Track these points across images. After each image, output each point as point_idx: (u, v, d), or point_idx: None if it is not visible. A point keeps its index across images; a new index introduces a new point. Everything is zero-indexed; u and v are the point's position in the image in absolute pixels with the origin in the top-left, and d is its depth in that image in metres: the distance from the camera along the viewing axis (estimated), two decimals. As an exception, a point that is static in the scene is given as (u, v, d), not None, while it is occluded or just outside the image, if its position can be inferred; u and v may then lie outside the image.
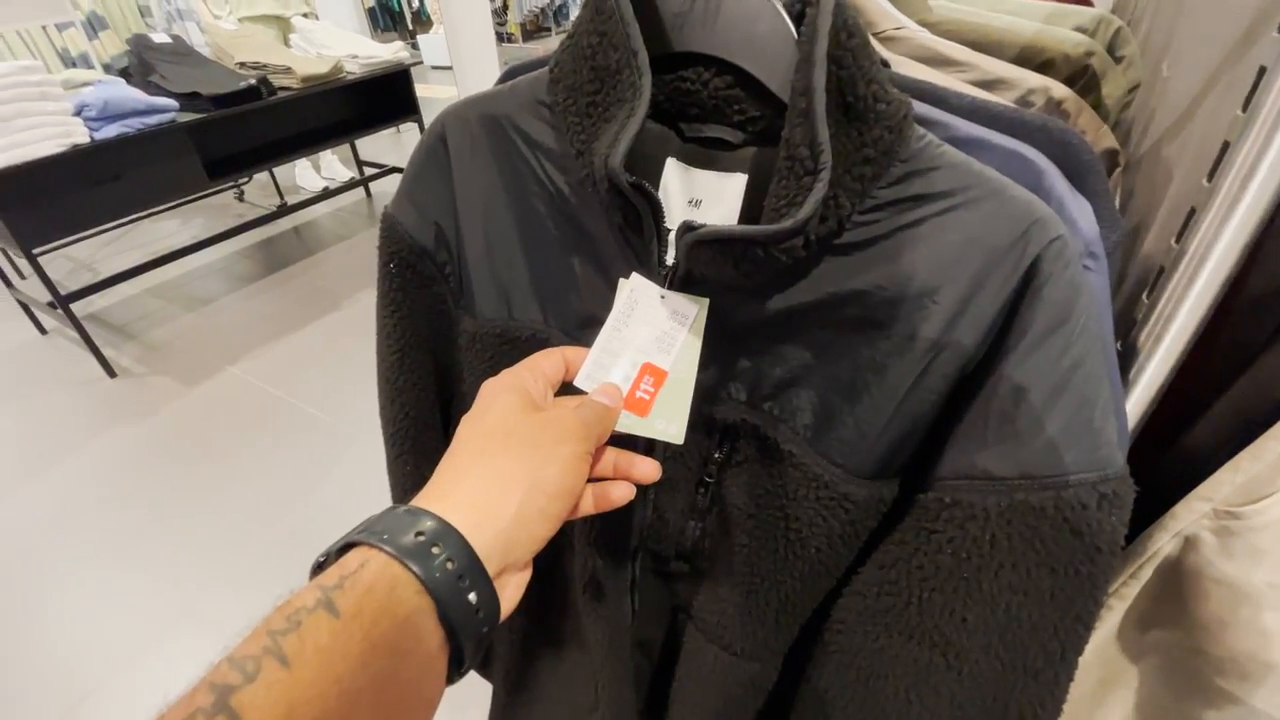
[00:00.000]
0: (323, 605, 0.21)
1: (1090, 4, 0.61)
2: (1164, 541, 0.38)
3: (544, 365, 0.36)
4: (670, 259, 0.37)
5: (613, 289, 0.41)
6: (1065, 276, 0.30)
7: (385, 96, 2.98)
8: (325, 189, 3.31)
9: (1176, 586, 0.40)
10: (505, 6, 6.18)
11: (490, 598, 0.26)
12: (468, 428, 0.32)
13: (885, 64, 0.37)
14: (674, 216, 0.39)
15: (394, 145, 4.37)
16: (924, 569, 0.36)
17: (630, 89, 0.34)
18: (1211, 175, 0.31)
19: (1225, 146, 0.30)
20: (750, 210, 0.37)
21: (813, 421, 0.39)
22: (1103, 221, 0.32)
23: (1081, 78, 0.49)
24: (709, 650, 0.52)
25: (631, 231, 0.37)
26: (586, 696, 0.64)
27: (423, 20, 6.27)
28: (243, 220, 2.80)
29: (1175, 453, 0.38)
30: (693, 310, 0.37)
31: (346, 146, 3.31)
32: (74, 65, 3.06)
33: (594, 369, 0.37)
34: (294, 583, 0.24)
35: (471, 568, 0.25)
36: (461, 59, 4.96)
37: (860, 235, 0.33)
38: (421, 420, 0.56)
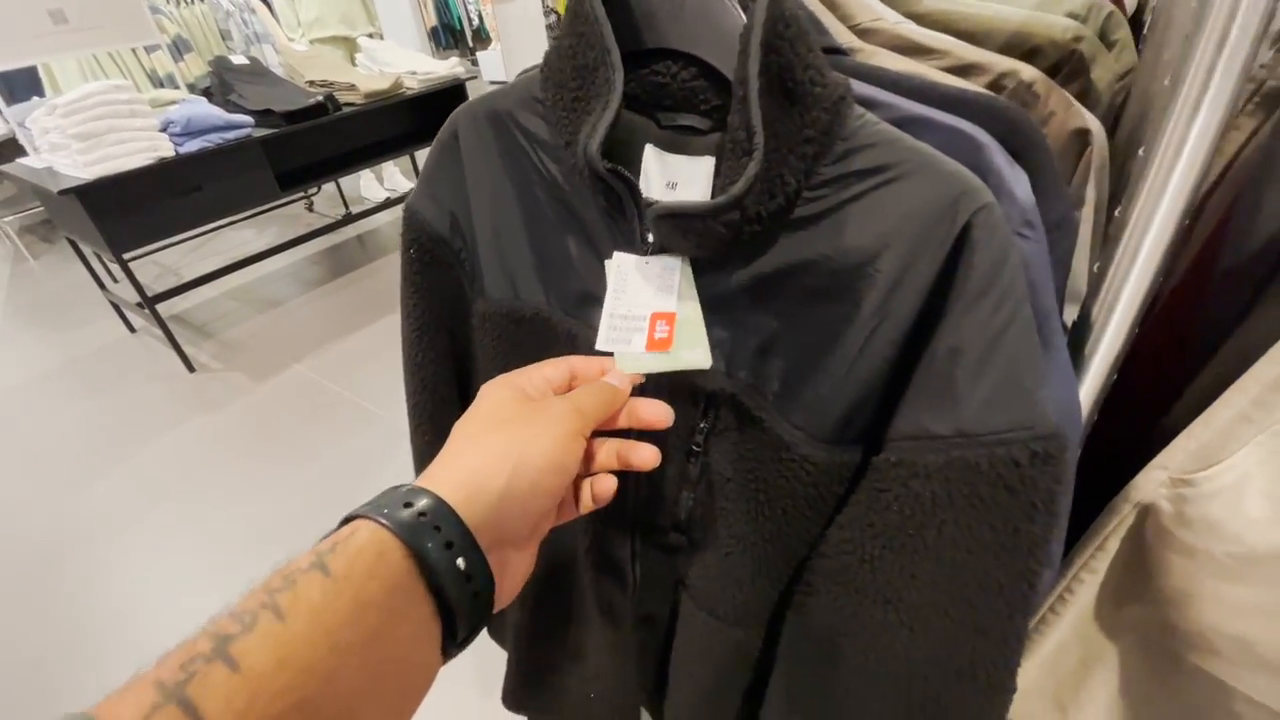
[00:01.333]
0: (316, 566, 0.23)
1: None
2: (1126, 511, 0.39)
3: (545, 371, 0.36)
4: (651, 236, 0.40)
5: (602, 264, 0.45)
6: (993, 242, 0.32)
7: (443, 110, 3.12)
8: (387, 199, 3.50)
9: (1142, 559, 0.40)
10: (559, 21, 6.36)
11: (481, 566, 0.26)
12: (463, 420, 0.33)
13: (843, 52, 0.40)
14: (655, 198, 0.42)
15: (452, 156, 4.56)
16: (874, 526, 0.38)
17: (605, 84, 0.37)
18: (1148, 148, 0.32)
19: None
20: (720, 191, 0.40)
21: (779, 388, 0.42)
22: (1045, 193, 0.34)
23: (1069, 62, 0.50)
24: (699, 617, 0.55)
25: (615, 212, 0.41)
26: (592, 665, 0.68)
27: (483, 38, 6.53)
28: (311, 229, 2.99)
29: (1140, 423, 0.38)
30: (676, 263, 0.40)
31: (407, 159, 3.49)
32: (161, 85, 3.35)
33: (609, 332, 0.41)
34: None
35: (461, 537, 0.26)
36: (515, 73, 5.16)
37: (810, 210, 0.36)
38: (439, 394, 0.61)
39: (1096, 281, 0.36)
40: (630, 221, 0.40)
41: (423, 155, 3.48)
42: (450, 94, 3.06)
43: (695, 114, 0.41)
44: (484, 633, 0.31)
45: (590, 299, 0.48)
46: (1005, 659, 0.37)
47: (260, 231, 3.72)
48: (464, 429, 0.32)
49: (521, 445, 0.30)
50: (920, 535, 0.36)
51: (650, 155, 0.43)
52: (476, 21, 6.28)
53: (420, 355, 0.59)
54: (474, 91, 3.18)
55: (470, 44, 6.27)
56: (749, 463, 0.44)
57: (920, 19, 0.52)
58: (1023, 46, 0.51)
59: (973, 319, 0.33)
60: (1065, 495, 0.34)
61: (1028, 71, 0.43)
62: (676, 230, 0.36)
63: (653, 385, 0.45)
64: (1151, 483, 0.37)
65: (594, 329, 0.47)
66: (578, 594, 0.66)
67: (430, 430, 0.62)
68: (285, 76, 2.68)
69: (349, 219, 3.19)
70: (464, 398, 0.64)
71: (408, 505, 0.26)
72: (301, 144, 2.67)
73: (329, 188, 3.71)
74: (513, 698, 0.74)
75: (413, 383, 0.61)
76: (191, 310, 2.90)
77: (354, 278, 3.10)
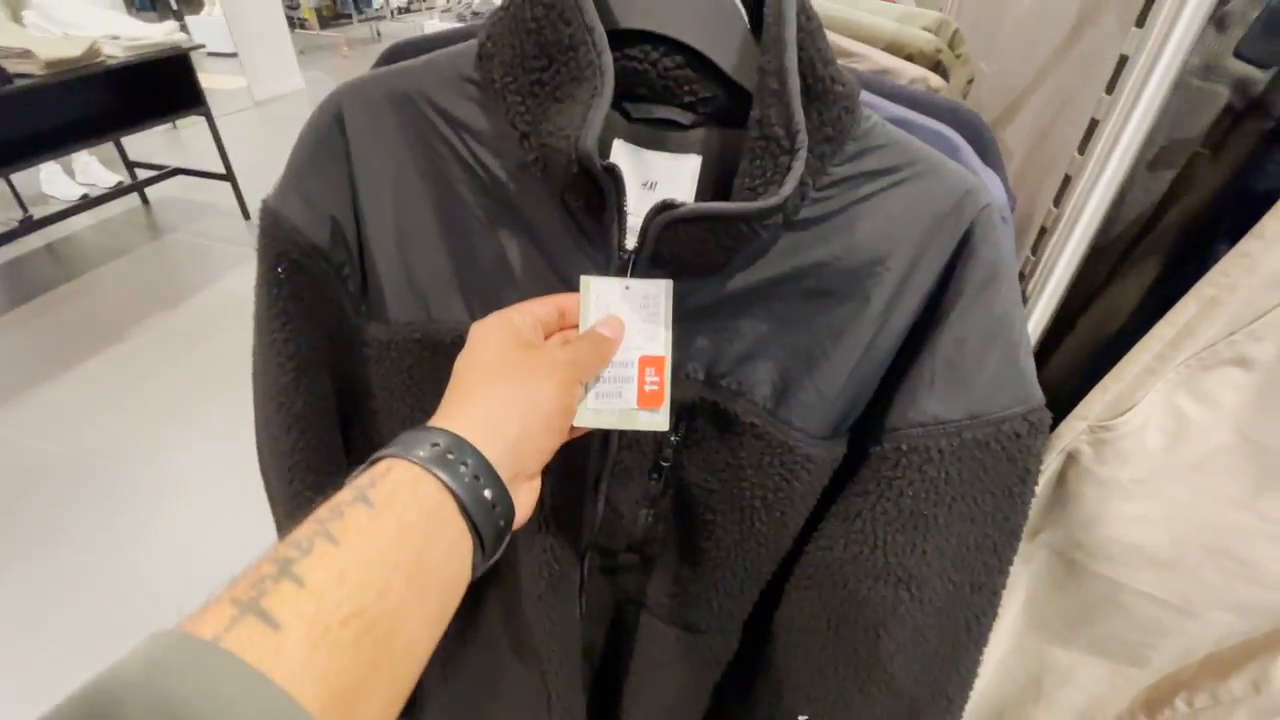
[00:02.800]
0: (359, 499, 0.26)
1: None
2: (1051, 459, 0.46)
3: (535, 308, 0.36)
4: (631, 243, 0.36)
5: (560, 279, 0.39)
6: (994, 238, 0.35)
7: (156, 86, 2.53)
8: (84, 196, 2.75)
9: (1060, 496, 0.48)
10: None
11: (504, 495, 0.29)
12: (464, 364, 0.34)
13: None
14: (629, 200, 0.38)
15: (171, 142, 3.75)
16: (888, 513, 0.39)
17: (589, 67, 0.32)
18: (1082, 149, 0.37)
19: (1093, 124, 0.37)
20: (708, 191, 0.38)
21: (771, 391, 0.41)
22: (1004, 192, 0.38)
23: (936, 71, 0.56)
24: (669, 634, 0.52)
25: (589, 216, 0.36)
26: (534, 713, 0.61)
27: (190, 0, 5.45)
28: (-32, 241, 2.23)
29: (1062, 382, 0.45)
30: (660, 291, 0.36)
31: (109, 146, 2.77)
32: None
33: (600, 386, 0.37)
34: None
35: (485, 471, 0.29)
36: (249, 45, 4.42)
37: (817, 210, 0.35)
38: (324, 447, 0.49)
39: (1033, 266, 0.41)
40: (608, 226, 0.35)
41: (131, 142, 2.83)
42: (167, 65, 2.49)
43: (677, 106, 0.37)
44: None
45: None
46: (993, 607, 0.42)
47: (-125, 247, 2.67)
48: (469, 374, 0.33)
49: (530, 393, 0.32)
50: (933, 515, 0.38)
51: (621, 151, 0.38)
52: (181, -20, 5.22)
53: (299, 403, 0.46)
54: (198, 64, 2.64)
55: (174, 6, 5.21)
56: (738, 470, 0.43)
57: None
58: (899, 54, 0.56)
59: (978, 311, 0.35)
60: (1042, 456, 0.39)
61: (934, 79, 0.48)
62: (702, 235, 0.33)
63: None
64: (1072, 431, 0.44)
65: None
66: (510, 640, 0.59)
67: (312, 485, 0.49)
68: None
69: (30, 225, 2.43)
70: (347, 446, 0.52)
71: (434, 445, 0.28)
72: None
73: (-10, 185, 2.79)
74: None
75: (286, 439, 0.47)
76: None
77: (49, 301, 2.39)
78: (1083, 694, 0.62)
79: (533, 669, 0.58)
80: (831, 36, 0.50)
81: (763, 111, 0.31)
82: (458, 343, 0.44)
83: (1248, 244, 0.36)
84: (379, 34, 6.67)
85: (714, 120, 0.37)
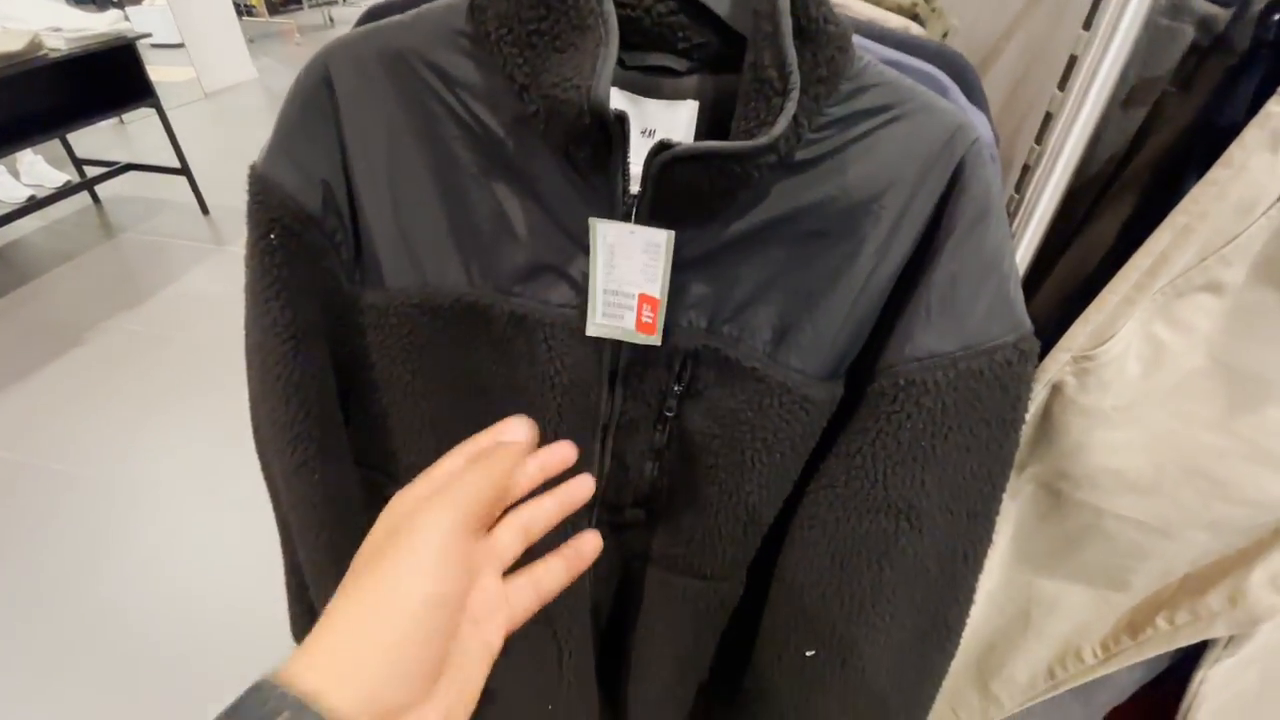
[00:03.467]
0: None
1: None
2: (1037, 391, 0.48)
3: (445, 465, 0.30)
4: (635, 188, 0.36)
5: (565, 231, 0.40)
6: (984, 174, 0.36)
7: (102, 79, 2.43)
8: (31, 198, 2.63)
9: (1046, 428, 0.50)
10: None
11: None
12: (355, 559, 0.28)
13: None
14: (635, 151, 0.38)
15: (119, 139, 3.61)
16: (888, 448, 0.41)
17: (592, 15, 0.32)
18: (1062, 85, 0.39)
19: (1072, 60, 0.38)
20: (705, 136, 0.38)
21: (771, 335, 0.42)
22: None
23: (914, 22, 0.57)
24: (678, 583, 0.53)
25: (592, 166, 0.36)
26: (548, 683, 0.62)
27: (129, -11, 5.20)
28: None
29: (1048, 317, 0.47)
30: (662, 238, 0.37)
31: (56, 145, 2.65)
32: None
33: (605, 309, 0.38)
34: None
35: None
36: (196, 34, 4.25)
37: (813, 152, 0.36)
38: (325, 418, 0.49)
39: (1017, 205, 0.43)
40: (613, 177, 0.35)
41: (80, 138, 2.72)
42: (112, 56, 2.39)
43: (670, 53, 0.38)
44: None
45: (543, 270, 0.42)
46: (988, 535, 0.44)
47: None
48: (350, 570, 0.27)
49: (388, 589, 0.25)
50: (931, 446, 0.40)
51: (618, 99, 0.39)
52: (119, -31, 5.00)
53: (297, 374, 0.45)
54: (144, 55, 2.53)
55: (113, -2, 4.97)
56: (741, 414, 0.44)
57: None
58: (877, 5, 0.57)
59: (971, 246, 0.36)
60: (1032, 383, 0.40)
61: (915, 28, 0.49)
62: (698, 174, 0.33)
63: (627, 351, 0.42)
64: (1057, 364, 0.46)
65: (549, 304, 0.42)
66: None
67: (320, 465, 0.49)
68: None
69: (-29, 229, 2.33)
70: (345, 413, 0.52)
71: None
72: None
73: (-76, 188, 2.65)
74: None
75: (286, 411, 0.47)
76: None
77: (0, 307, 2.29)
78: (1069, 622, 0.65)
79: (545, 627, 0.59)
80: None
81: (756, 54, 0.32)
82: (457, 306, 0.44)
83: (1216, 172, 0.38)
84: (331, 20, 6.46)
85: (709, 66, 0.38)
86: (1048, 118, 0.40)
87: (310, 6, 6.30)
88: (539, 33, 0.34)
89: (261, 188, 0.41)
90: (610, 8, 0.32)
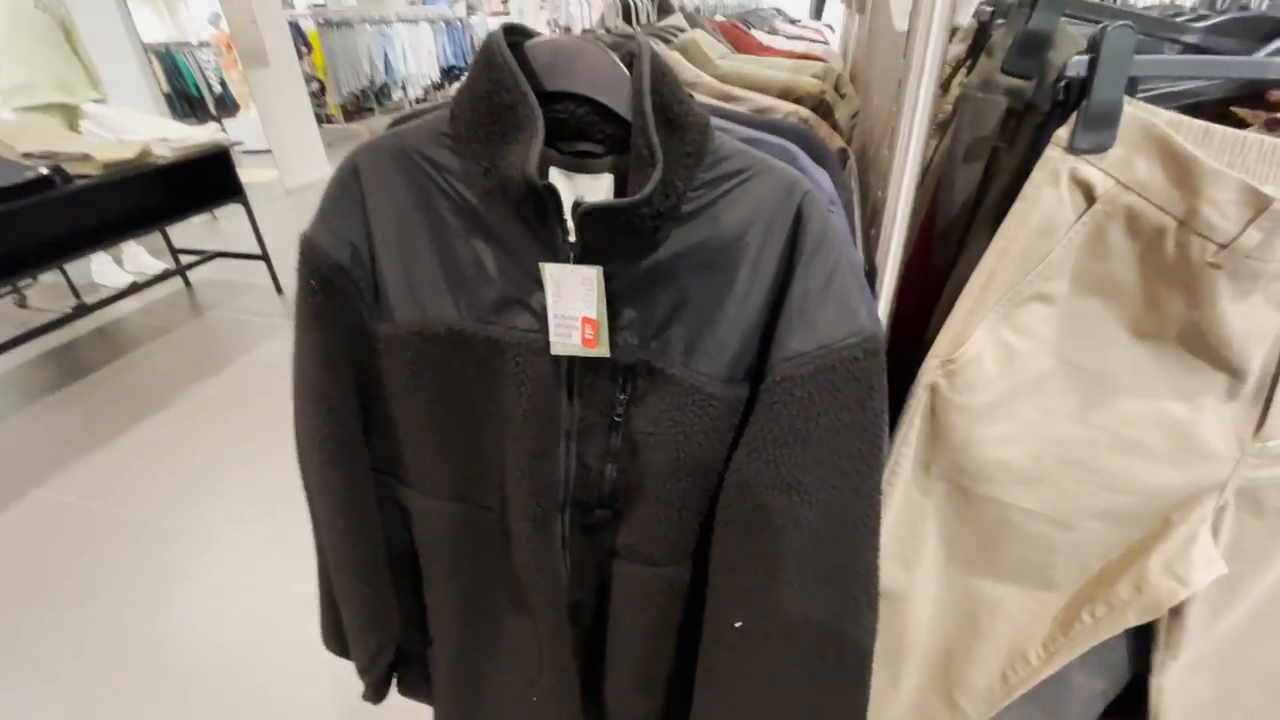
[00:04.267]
0: None
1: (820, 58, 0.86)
2: (919, 393, 0.57)
3: None
4: (572, 238, 0.49)
5: (525, 273, 0.53)
6: (818, 214, 0.47)
7: (199, 181, 2.83)
8: (133, 284, 3.02)
9: (935, 427, 0.58)
10: (323, 89, 6.10)
11: None
12: None
13: (690, 95, 0.54)
14: (566, 210, 0.52)
15: (210, 232, 4.09)
16: (773, 432, 0.51)
17: (527, 119, 0.47)
18: (890, 148, 0.51)
19: (892, 131, 0.50)
20: (618, 198, 0.52)
21: (684, 348, 0.53)
22: (836, 184, 0.51)
23: (821, 107, 0.71)
24: (633, 570, 0.63)
25: (539, 222, 0.49)
26: (528, 668, 0.71)
27: (226, 105, 5.99)
28: (28, 328, 2.45)
29: (916, 332, 0.57)
30: (592, 274, 0.50)
31: (155, 235, 3.06)
32: None
33: (556, 329, 0.50)
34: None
35: None
36: (282, 142, 4.84)
37: (693, 206, 0.49)
38: (348, 424, 0.62)
39: (871, 243, 0.54)
40: (553, 229, 0.49)
41: (177, 231, 3.11)
42: (208, 163, 2.79)
43: (591, 141, 0.52)
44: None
45: (511, 303, 0.55)
46: (874, 512, 0.52)
47: (-53, 338, 2.94)
48: None
49: None
50: (805, 428, 0.49)
51: (556, 176, 0.53)
52: (219, 89, 5.77)
53: (327, 385, 0.60)
54: (235, 160, 2.93)
55: (214, 112, 5.72)
56: (667, 413, 0.55)
57: (721, 76, 0.71)
58: (791, 95, 0.71)
59: (814, 267, 0.48)
60: (884, 377, 0.50)
61: (804, 111, 0.62)
62: (602, 223, 0.46)
63: (579, 368, 0.54)
64: (930, 369, 0.55)
65: (516, 329, 0.55)
66: (505, 599, 0.69)
67: (342, 461, 0.62)
68: (-17, 149, 2.23)
69: (82, 311, 2.68)
70: (381, 421, 0.65)
71: None
72: (13, 226, 2.22)
73: (48, 278, 3.08)
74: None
75: (316, 414, 0.61)
76: None
77: (99, 379, 2.61)
78: (1011, 625, 0.69)
79: (525, 619, 0.68)
80: (724, 87, 0.65)
81: (635, 140, 0.45)
82: (448, 334, 0.58)
83: (1018, 205, 0.49)
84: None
85: (617, 149, 0.52)
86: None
87: (381, 113, 7.07)
88: (494, 132, 0.49)
89: (307, 247, 0.56)
90: (539, 113, 0.47)
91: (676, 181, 0.47)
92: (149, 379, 2.59)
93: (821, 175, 0.50)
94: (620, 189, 0.52)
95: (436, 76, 7.77)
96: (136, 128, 2.65)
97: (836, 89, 0.75)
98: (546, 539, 0.61)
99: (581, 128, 0.51)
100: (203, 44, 5.62)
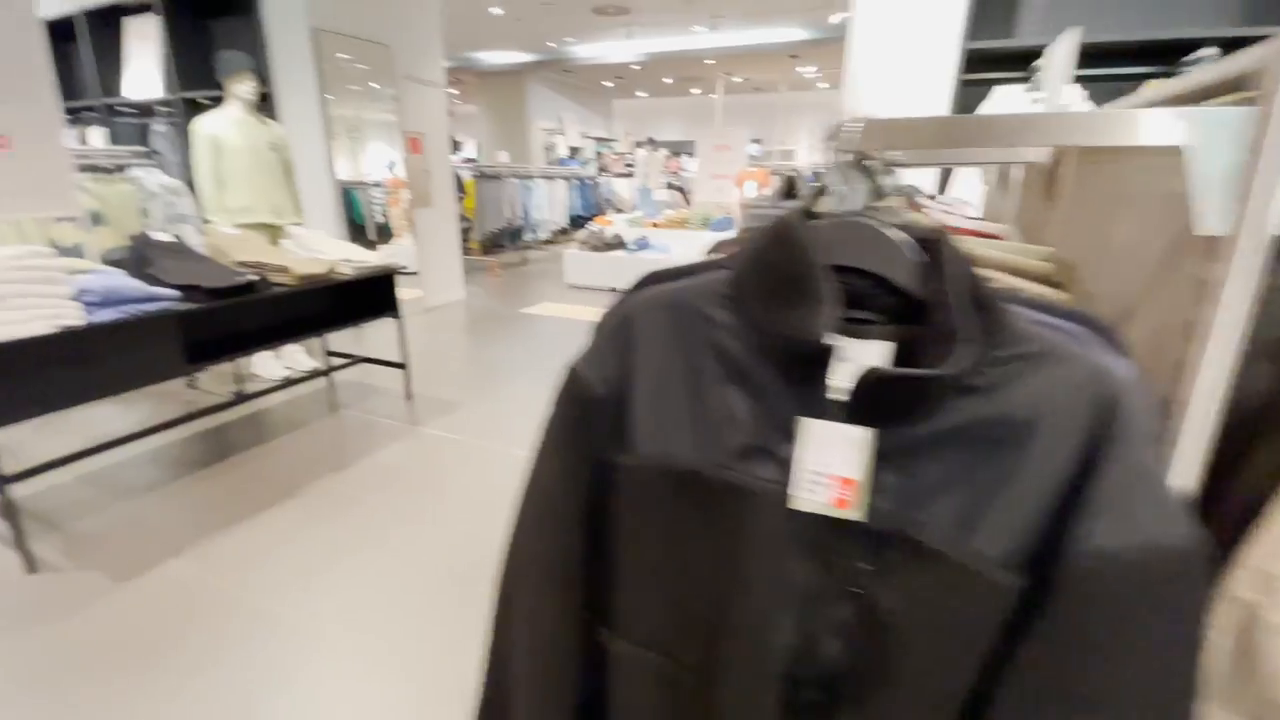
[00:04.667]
0: None
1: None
2: (1224, 608, 0.50)
3: None
4: (838, 396, 0.50)
5: (776, 425, 0.54)
6: (1135, 403, 0.46)
7: (367, 296, 3.19)
8: (287, 378, 3.34)
9: (1243, 653, 0.51)
10: (469, 227, 6.98)
11: None
12: None
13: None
14: (837, 373, 0.53)
15: (355, 338, 4.52)
16: (1084, 633, 0.46)
17: (816, 288, 0.50)
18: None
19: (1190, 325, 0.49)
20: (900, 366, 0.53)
21: (954, 522, 0.50)
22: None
23: (1059, 288, 0.71)
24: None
25: (804, 378, 0.51)
26: None
27: (384, 233, 6.89)
28: (194, 408, 2.73)
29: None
30: (866, 435, 0.50)
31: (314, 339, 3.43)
32: (64, 256, 3.12)
33: (804, 483, 0.50)
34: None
35: None
36: (429, 267, 5.46)
37: (984, 380, 0.49)
38: (578, 550, 0.62)
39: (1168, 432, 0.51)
40: (817, 386, 0.50)
41: (334, 336, 3.45)
42: (377, 281, 3.16)
43: (872, 311, 0.54)
44: None
45: (756, 452, 0.55)
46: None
47: (127, 407, 3.32)
48: None
49: None
50: (1119, 637, 0.44)
51: (828, 338, 0.55)
52: (382, 219, 6.69)
53: (565, 510, 0.61)
54: (401, 279, 3.28)
55: (372, 238, 6.57)
56: (929, 596, 0.51)
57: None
58: (1025, 275, 0.72)
59: (1131, 457, 0.45)
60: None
61: (1049, 291, 0.63)
62: (886, 389, 0.47)
63: (821, 527, 0.52)
64: (1243, 581, 0.49)
65: (759, 478, 0.55)
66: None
67: (560, 588, 0.62)
68: (207, 255, 2.65)
69: (240, 399, 2.97)
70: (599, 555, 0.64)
71: None
72: (220, 320, 2.57)
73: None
74: None
75: (543, 538, 0.62)
76: (31, 497, 2.43)
77: (240, 460, 2.82)
78: None
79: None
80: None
81: (943, 315, 0.47)
82: (685, 474, 0.58)
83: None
84: (525, 259, 8.27)
85: (895, 319, 0.54)
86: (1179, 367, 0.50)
87: (511, 249, 8.04)
88: (778, 296, 0.52)
89: (574, 375, 0.60)
90: (834, 285, 0.50)
91: (977, 356, 0.47)
92: (281, 468, 2.76)
93: (1119, 361, 0.49)
94: (902, 358, 0.53)
95: (565, 223, 9.05)
96: (325, 248, 3.07)
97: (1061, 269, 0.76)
98: (748, 713, 0.56)
99: (861, 298, 0.54)
100: (375, 184, 6.60)
